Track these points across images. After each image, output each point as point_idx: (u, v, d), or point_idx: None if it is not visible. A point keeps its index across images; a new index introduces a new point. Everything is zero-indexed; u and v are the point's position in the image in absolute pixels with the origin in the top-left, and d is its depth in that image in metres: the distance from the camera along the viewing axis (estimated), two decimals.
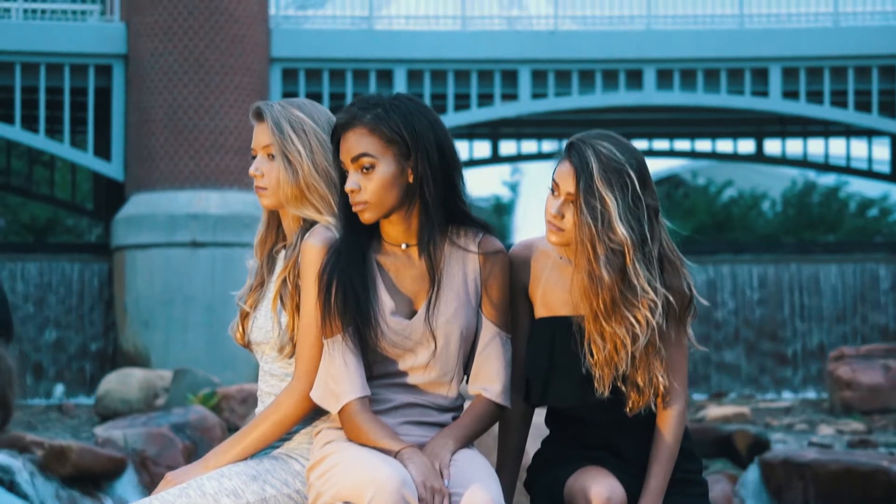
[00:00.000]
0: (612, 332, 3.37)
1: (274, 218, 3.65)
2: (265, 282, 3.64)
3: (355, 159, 3.38)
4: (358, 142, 3.38)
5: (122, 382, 13.62)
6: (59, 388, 18.20)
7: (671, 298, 3.41)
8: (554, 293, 3.50)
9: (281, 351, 3.56)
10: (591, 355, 3.40)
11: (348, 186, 3.39)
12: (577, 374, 3.43)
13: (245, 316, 3.66)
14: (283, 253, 3.61)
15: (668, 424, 3.46)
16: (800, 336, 19.02)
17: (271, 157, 3.55)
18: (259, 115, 3.57)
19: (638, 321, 3.35)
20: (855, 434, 12.07)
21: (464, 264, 3.48)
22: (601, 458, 3.47)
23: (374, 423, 3.36)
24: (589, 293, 3.37)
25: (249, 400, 11.90)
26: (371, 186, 3.37)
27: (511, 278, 3.52)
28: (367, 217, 3.41)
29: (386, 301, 3.43)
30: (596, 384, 3.41)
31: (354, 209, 3.41)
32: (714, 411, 13.55)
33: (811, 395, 17.52)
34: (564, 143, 3.47)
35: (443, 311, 3.44)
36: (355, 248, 3.43)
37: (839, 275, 19.06)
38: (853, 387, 13.63)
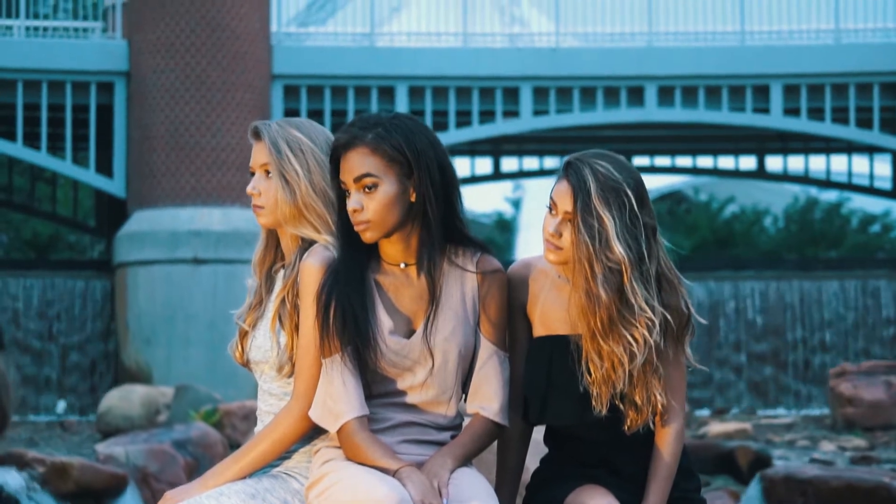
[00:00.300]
0: (609, 351, 3.38)
1: (273, 237, 3.66)
2: (264, 301, 3.65)
3: (358, 179, 3.38)
4: (360, 161, 3.38)
5: (123, 399, 13.66)
6: (61, 405, 18.23)
7: (669, 317, 3.42)
8: (552, 312, 3.52)
9: (280, 370, 3.56)
10: (589, 374, 3.42)
11: (351, 206, 3.40)
12: (574, 393, 3.44)
13: (244, 335, 3.66)
14: (281, 272, 3.62)
15: (667, 443, 3.48)
16: (801, 352, 19.04)
17: (269, 175, 3.56)
18: (257, 135, 3.58)
19: (635, 339, 3.37)
20: (857, 450, 12.08)
21: (462, 283, 3.49)
22: (599, 476, 3.48)
23: (372, 442, 3.37)
24: (586, 312, 3.38)
25: (251, 416, 11.91)
26: (373, 206, 3.38)
27: (509, 297, 3.54)
28: (368, 237, 3.41)
29: (384, 320, 3.44)
30: (594, 402, 3.42)
31: (357, 229, 3.41)
32: (716, 427, 13.57)
33: (813, 411, 17.54)
34: (562, 162, 3.50)
35: (441, 329, 3.45)
36: (354, 267, 3.43)
37: (841, 291, 19.09)
38: (855, 403, 13.65)
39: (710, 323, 18.67)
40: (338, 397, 3.39)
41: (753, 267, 20.10)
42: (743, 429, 13.40)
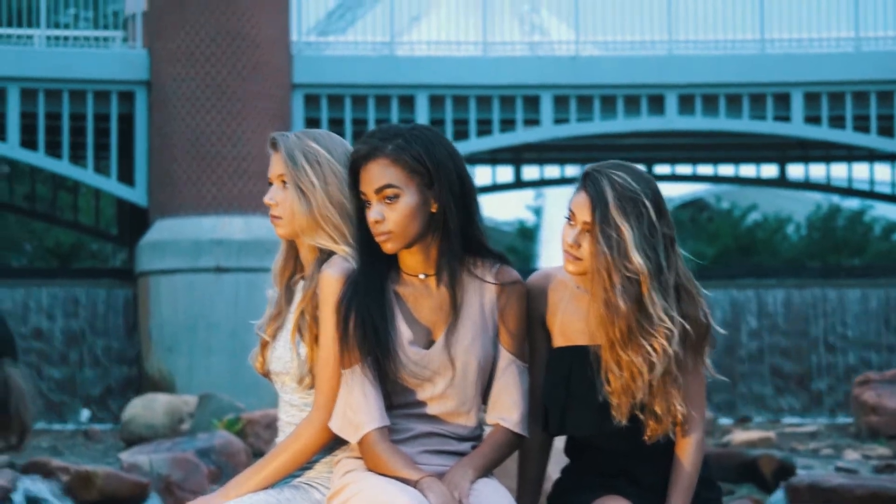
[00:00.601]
0: (628, 361, 3.40)
1: (292, 248, 3.68)
2: (284, 312, 3.67)
3: (379, 190, 3.40)
4: (381, 172, 3.40)
5: (147, 408, 13.73)
6: (85, 414, 18.32)
7: (688, 327, 3.44)
8: (571, 323, 3.55)
9: (300, 382, 3.59)
10: (608, 384, 3.44)
11: (372, 217, 3.41)
12: (594, 403, 3.47)
13: (265, 346, 3.69)
14: (301, 283, 3.64)
15: (687, 453, 3.50)
16: (825, 360, 19.01)
17: (286, 186, 3.59)
18: (274, 145, 3.61)
19: (654, 350, 3.39)
20: (881, 459, 12.08)
21: (481, 294, 3.52)
22: (619, 486, 3.51)
23: (393, 452, 3.40)
24: (605, 322, 3.41)
25: (273, 425, 11.93)
26: (395, 216, 3.40)
27: (528, 308, 3.56)
28: (390, 247, 3.44)
29: (404, 331, 3.47)
30: (613, 413, 3.45)
31: (378, 240, 3.43)
32: (739, 436, 13.57)
33: (837, 419, 17.51)
34: (580, 173, 3.53)
35: (460, 340, 3.47)
36: (373, 278, 3.46)
37: (863, 299, 19.07)
38: (879, 411, 13.64)
39: (730, 332, 18.67)
40: (358, 408, 3.42)
41: (776, 275, 20.09)
42: (766, 437, 13.40)
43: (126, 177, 18.70)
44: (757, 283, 19.33)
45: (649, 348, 3.40)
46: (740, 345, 18.96)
